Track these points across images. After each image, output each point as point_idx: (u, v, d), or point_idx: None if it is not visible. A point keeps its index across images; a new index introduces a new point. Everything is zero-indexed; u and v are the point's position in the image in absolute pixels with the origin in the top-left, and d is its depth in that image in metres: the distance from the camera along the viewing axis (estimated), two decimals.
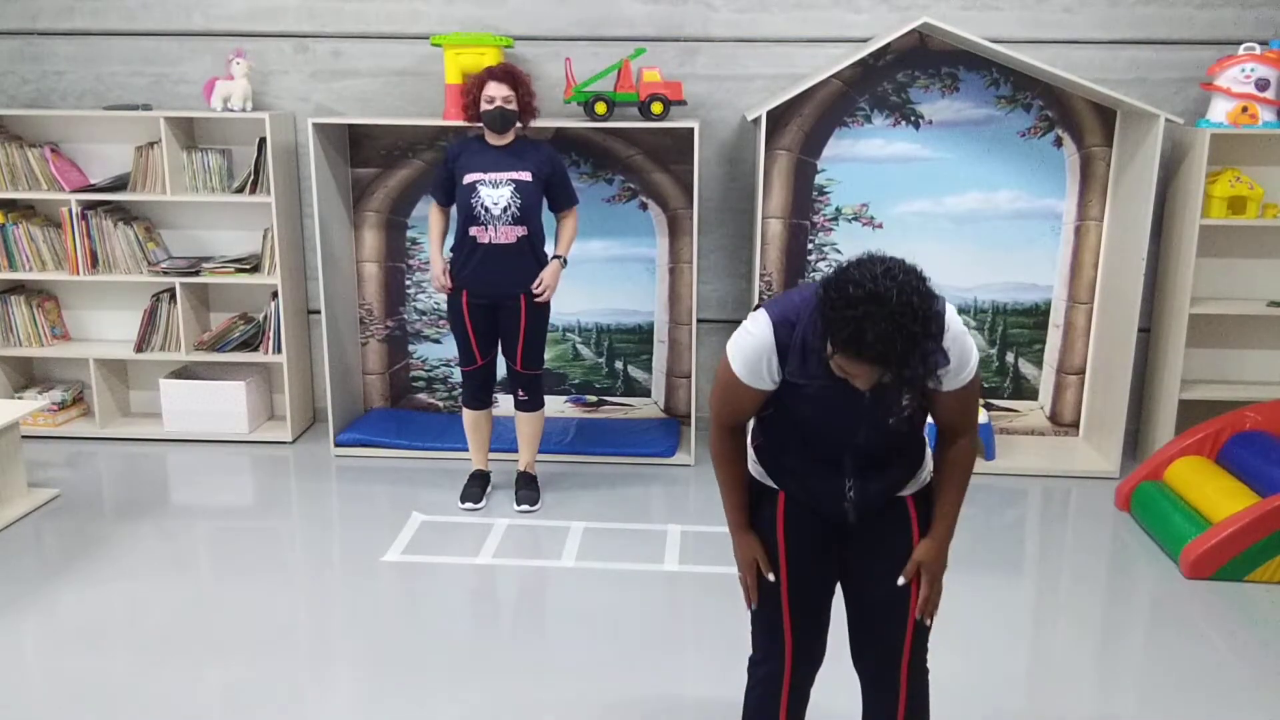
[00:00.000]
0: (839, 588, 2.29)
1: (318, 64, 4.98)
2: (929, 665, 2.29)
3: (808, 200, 4.80)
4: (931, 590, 2.18)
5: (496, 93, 4.01)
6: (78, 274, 4.99)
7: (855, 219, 4.82)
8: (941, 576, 2.19)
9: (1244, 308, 4.68)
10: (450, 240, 4.23)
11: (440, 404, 5.33)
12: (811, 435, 2.10)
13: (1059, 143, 4.71)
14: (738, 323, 2.09)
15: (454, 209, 4.18)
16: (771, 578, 2.20)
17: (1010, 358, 4.97)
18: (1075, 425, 5.03)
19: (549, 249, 4.21)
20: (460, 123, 4.48)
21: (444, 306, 4.51)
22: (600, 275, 5.08)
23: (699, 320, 4.96)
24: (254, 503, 4.50)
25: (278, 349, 5.04)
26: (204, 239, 5.18)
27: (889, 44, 4.52)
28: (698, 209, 4.74)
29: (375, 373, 5.31)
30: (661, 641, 3.33)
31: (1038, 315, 4.91)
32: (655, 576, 3.77)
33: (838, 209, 4.81)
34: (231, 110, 4.79)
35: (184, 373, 5.21)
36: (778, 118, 4.65)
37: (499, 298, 4.13)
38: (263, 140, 4.79)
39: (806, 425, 2.09)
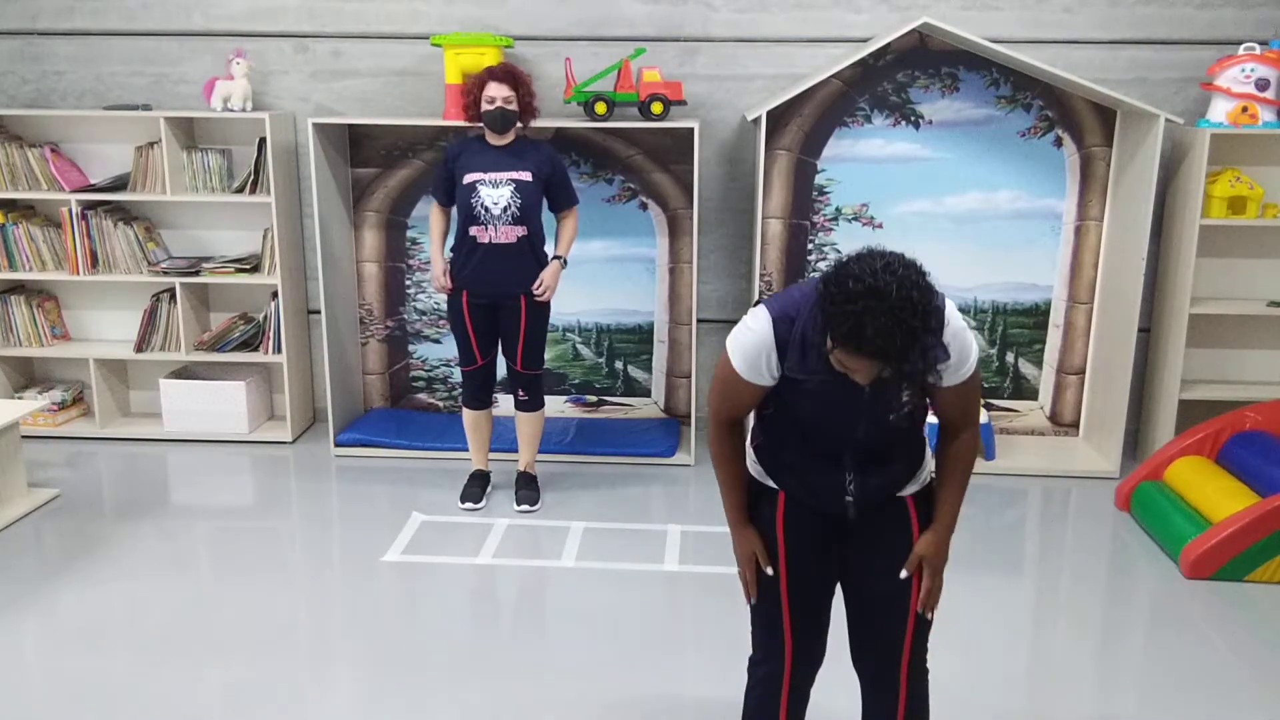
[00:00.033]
0: (839, 588, 2.29)
1: (318, 64, 4.98)
2: (929, 665, 2.29)
3: (808, 200, 4.80)
4: (933, 584, 2.18)
5: (497, 93, 4.01)
6: (78, 274, 4.99)
7: (855, 219, 4.82)
8: (943, 570, 2.19)
9: (1244, 308, 4.68)
10: (450, 240, 4.24)
11: (440, 404, 5.33)
12: (811, 431, 2.10)
13: (1059, 143, 4.71)
14: (738, 323, 2.09)
15: (454, 209, 4.18)
16: (770, 572, 2.20)
17: (1010, 358, 4.97)
18: (1075, 425, 5.03)
19: (549, 249, 4.21)
20: (460, 123, 4.48)
21: (444, 306, 4.51)
22: (600, 275, 5.08)
23: (699, 320, 4.96)
24: (254, 503, 4.50)
25: (278, 349, 5.04)
26: (204, 239, 5.18)
27: (889, 44, 4.52)
28: (698, 209, 4.74)
29: (375, 373, 5.31)
30: (661, 641, 3.33)
31: (1038, 315, 4.91)
32: (655, 576, 3.77)
33: (838, 209, 4.81)
34: (231, 110, 4.79)
35: (184, 373, 5.21)
36: (778, 118, 4.65)
37: (499, 298, 4.13)
38: (263, 140, 4.79)
39: (806, 421, 2.09)
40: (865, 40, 4.69)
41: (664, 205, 5.00)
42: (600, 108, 4.53)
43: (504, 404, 4.78)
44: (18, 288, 5.21)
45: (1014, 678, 3.16)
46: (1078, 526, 4.28)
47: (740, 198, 4.99)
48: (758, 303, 2.10)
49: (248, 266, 4.99)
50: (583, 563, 3.87)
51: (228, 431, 5.09)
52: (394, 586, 3.70)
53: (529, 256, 4.11)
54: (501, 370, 4.37)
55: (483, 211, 4.04)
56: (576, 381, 5.24)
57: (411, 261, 5.16)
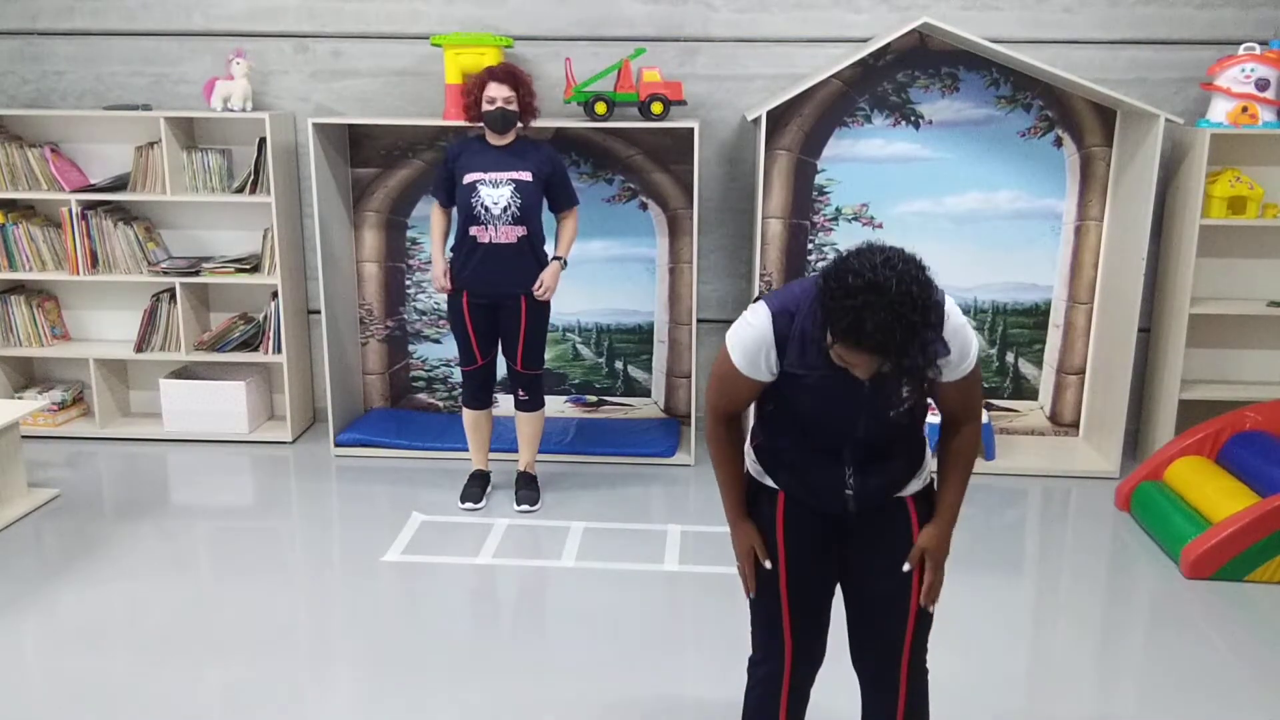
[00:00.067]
0: (839, 588, 2.29)
1: (318, 64, 4.98)
2: (929, 665, 2.29)
3: (808, 200, 4.80)
4: (935, 577, 2.18)
5: (497, 93, 4.01)
6: (78, 274, 4.99)
7: (855, 219, 4.82)
8: (944, 563, 2.20)
9: (1244, 308, 4.68)
10: (451, 240, 4.24)
11: (440, 404, 5.33)
12: (811, 427, 2.10)
13: (1059, 143, 4.71)
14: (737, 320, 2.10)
15: (455, 209, 4.18)
16: (769, 565, 2.20)
17: (1010, 358, 4.97)
18: (1075, 425, 5.03)
19: (549, 249, 4.21)
20: (460, 123, 4.48)
21: (444, 306, 4.51)
22: (600, 275, 5.08)
23: (699, 320, 4.96)
24: (254, 503, 4.50)
25: (278, 349, 5.04)
26: (204, 239, 5.18)
27: (889, 44, 4.52)
28: (698, 209, 4.74)
29: (375, 373, 5.31)
30: (661, 641, 3.33)
31: (1038, 315, 4.91)
32: (655, 576, 3.77)
33: (838, 209, 4.81)
34: (231, 110, 4.79)
35: (184, 373, 5.21)
36: (778, 118, 4.65)
37: (499, 297, 4.13)
38: (263, 140, 4.79)
39: (806, 417, 2.09)
40: (865, 40, 4.69)
41: (664, 205, 5.00)
42: (600, 108, 4.53)
43: (504, 404, 4.78)
44: (18, 288, 5.21)
45: (1014, 678, 3.16)
46: (1078, 526, 4.28)
47: (740, 198, 4.99)
48: (758, 298, 2.10)
49: (248, 266, 4.99)
50: (583, 563, 3.87)
51: (228, 431, 5.09)
52: (394, 586, 3.70)
53: (529, 256, 4.11)
54: (501, 370, 4.37)
55: (483, 211, 4.04)
56: (576, 381, 5.24)
57: (411, 261, 5.16)
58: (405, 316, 5.23)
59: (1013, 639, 3.38)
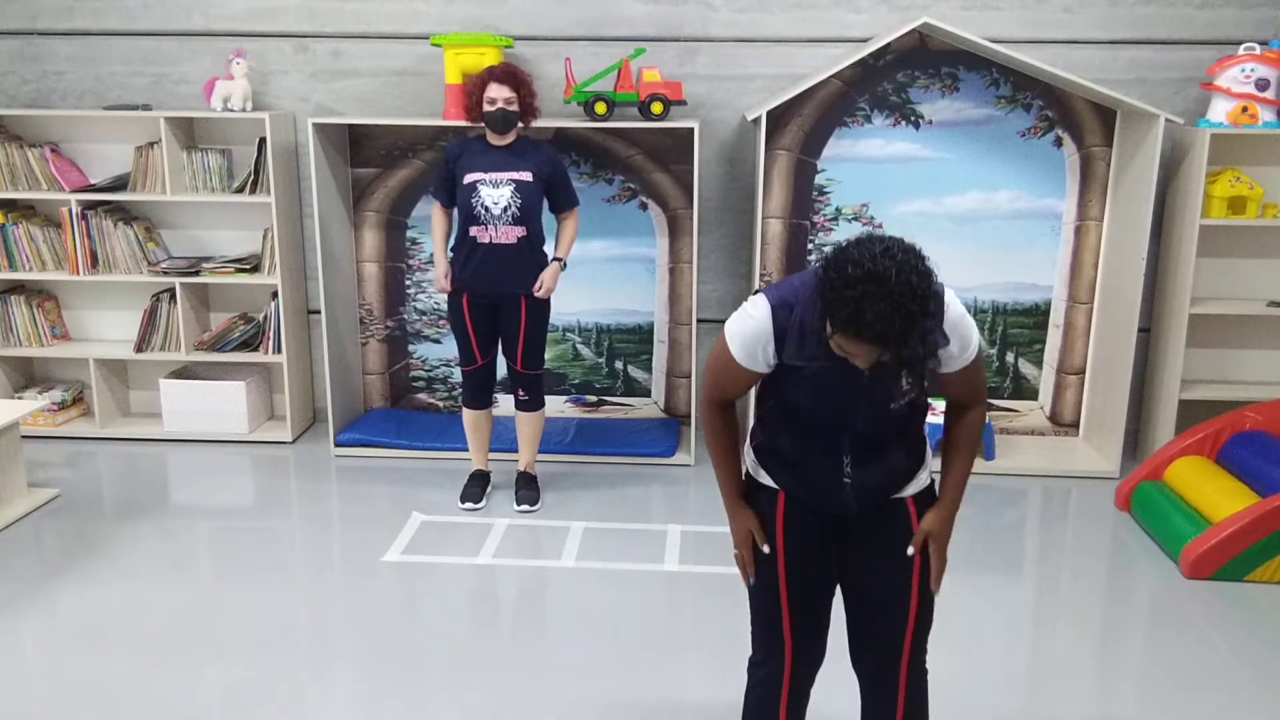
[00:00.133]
0: (839, 589, 2.29)
1: (318, 64, 4.98)
2: (929, 666, 2.29)
3: (808, 200, 4.80)
4: (939, 560, 2.18)
5: (498, 94, 4.01)
6: (78, 274, 4.99)
7: (855, 219, 4.82)
8: (947, 546, 2.20)
9: (1244, 308, 4.68)
10: (451, 240, 4.24)
11: (440, 404, 5.33)
12: (810, 420, 2.10)
13: (1059, 143, 4.71)
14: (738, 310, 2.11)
15: (455, 209, 4.18)
16: (767, 549, 2.20)
17: (1010, 358, 4.97)
18: (1075, 425, 5.03)
19: (549, 250, 4.21)
20: (460, 123, 4.49)
21: (444, 306, 4.50)
22: (600, 275, 5.08)
23: (699, 320, 4.96)
24: (254, 503, 4.50)
25: (278, 349, 5.04)
26: (204, 239, 5.18)
27: (889, 44, 4.52)
28: (698, 209, 4.74)
29: (375, 373, 5.31)
30: (661, 641, 3.33)
31: (1038, 315, 4.91)
32: (655, 576, 3.77)
33: (838, 209, 4.81)
34: (231, 110, 4.79)
35: (184, 373, 5.21)
36: (778, 118, 4.65)
37: (499, 297, 4.13)
38: (263, 140, 4.79)
39: (806, 409, 2.09)
40: (865, 40, 4.69)
41: (664, 205, 5.00)
42: (600, 108, 4.53)
43: (504, 404, 4.78)
44: (18, 288, 5.21)
45: (1014, 678, 3.16)
46: (1078, 526, 4.28)
47: (740, 198, 4.99)
48: (757, 291, 2.10)
49: (248, 266, 4.99)
50: (583, 563, 3.87)
51: (228, 431, 5.09)
52: (394, 586, 3.70)
53: (529, 257, 4.11)
54: (502, 370, 4.37)
55: (483, 211, 4.04)
56: (576, 381, 5.24)
57: (411, 261, 5.16)
58: (405, 316, 5.23)
59: (1013, 639, 3.38)
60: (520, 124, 4.12)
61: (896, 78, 4.65)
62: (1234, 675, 3.16)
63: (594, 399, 5.26)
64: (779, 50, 4.82)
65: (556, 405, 5.21)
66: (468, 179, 4.05)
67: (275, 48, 4.96)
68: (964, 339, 2.03)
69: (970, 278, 4.84)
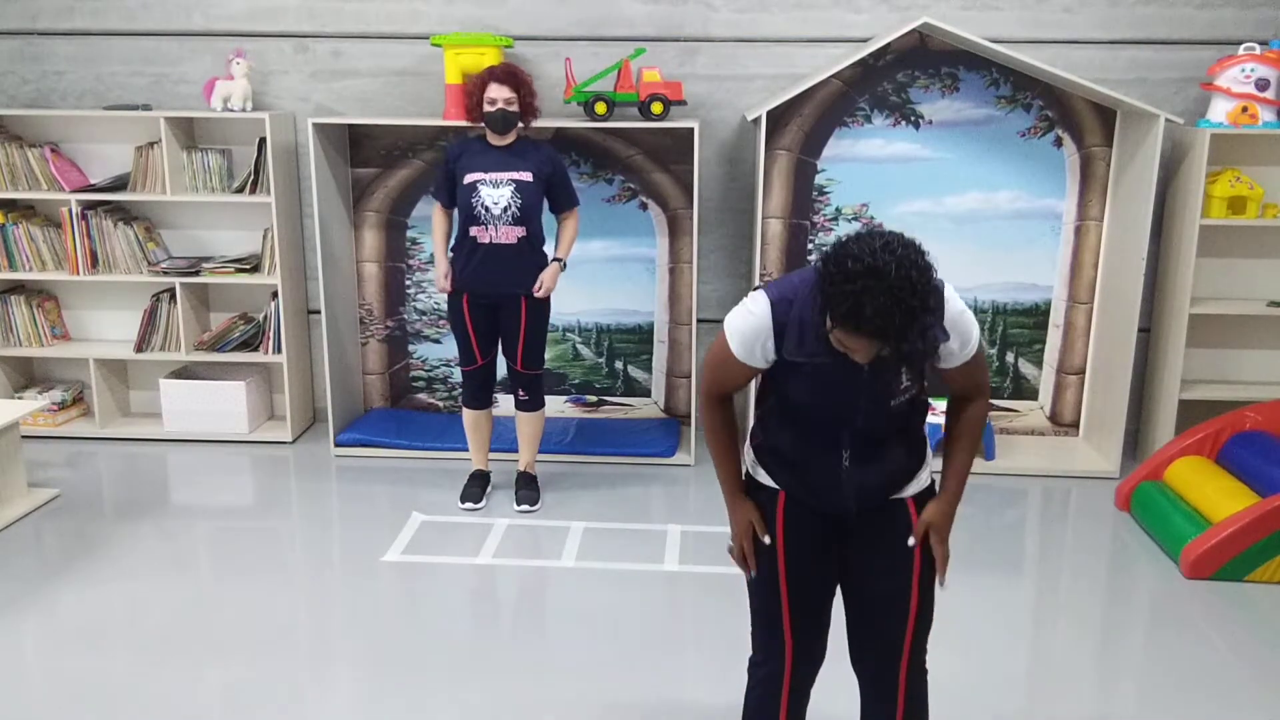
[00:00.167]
0: (839, 590, 2.29)
1: (318, 64, 4.98)
2: (929, 666, 2.29)
3: (808, 200, 4.80)
4: (942, 550, 2.18)
5: (498, 94, 4.01)
6: (78, 274, 4.99)
7: (855, 219, 4.82)
8: (948, 537, 2.20)
9: (1244, 308, 4.68)
10: (451, 240, 4.24)
11: (440, 404, 5.33)
12: (810, 417, 2.10)
13: (1059, 143, 4.71)
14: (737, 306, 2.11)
15: (455, 210, 4.18)
16: (768, 540, 2.20)
17: (1010, 358, 4.97)
18: (1075, 425, 5.03)
19: (550, 250, 4.21)
20: (460, 123, 4.49)
21: (444, 306, 4.50)
22: (600, 275, 5.08)
23: (699, 320, 4.96)
24: (254, 503, 4.50)
25: (278, 349, 5.04)
26: (204, 239, 5.18)
27: (889, 44, 4.52)
28: (698, 209, 4.74)
29: (375, 373, 5.31)
30: (661, 641, 3.33)
31: (1038, 315, 4.91)
32: (655, 576, 3.77)
33: (838, 209, 4.81)
34: (231, 110, 4.79)
35: (184, 373, 5.21)
36: (778, 118, 4.65)
37: (499, 298, 4.13)
38: (263, 140, 4.79)
39: (805, 406, 2.09)
40: (865, 40, 4.69)
41: (664, 205, 5.00)
42: (600, 108, 4.53)
43: (504, 404, 4.78)
44: (18, 288, 5.21)
45: (1014, 678, 3.16)
46: (1078, 526, 4.28)
47: (740, 198, 4.99)
48: (758, 287, 2.11)
49: (248, 266, 4.99)
50: (583, 563, 3.87)
51: (228, 431, 5.09)
52: (394, 586, 3.70)
53: (529, 257, 4.11)
54: (502, 370, 4.37)
55: (483, 211, 4.04)
56: (576, 381, 5.24)
57: (411, 261, 5.16)
58: (405, 316, 5.23)
59: (1013, 639, 3.38)
60: (520, 124, 4.12)
61: (896, 78, 4.65)
62: (1234, 675, 3.16)
63: (594, 399, 5.26)
64: (779, 50, 4.82)
65: (556, 405, 5.21)
66: (468, 179, 4.05)
67: (275, 48, 4.96)
68: (964, 336, 2.04)
69: (970, 278, 4.84)
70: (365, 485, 4.61)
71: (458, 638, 3.35)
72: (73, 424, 5.20)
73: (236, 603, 3.55)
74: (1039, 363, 4.97)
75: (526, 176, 4.05)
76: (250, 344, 5.11)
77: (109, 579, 3.70)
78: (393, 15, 4.90)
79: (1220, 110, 4.46)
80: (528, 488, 4.37)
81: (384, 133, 4.99)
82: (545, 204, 4.18)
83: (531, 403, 4.31)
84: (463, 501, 4.32)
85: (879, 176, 4.76)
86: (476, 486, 4.38)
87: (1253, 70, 4.38)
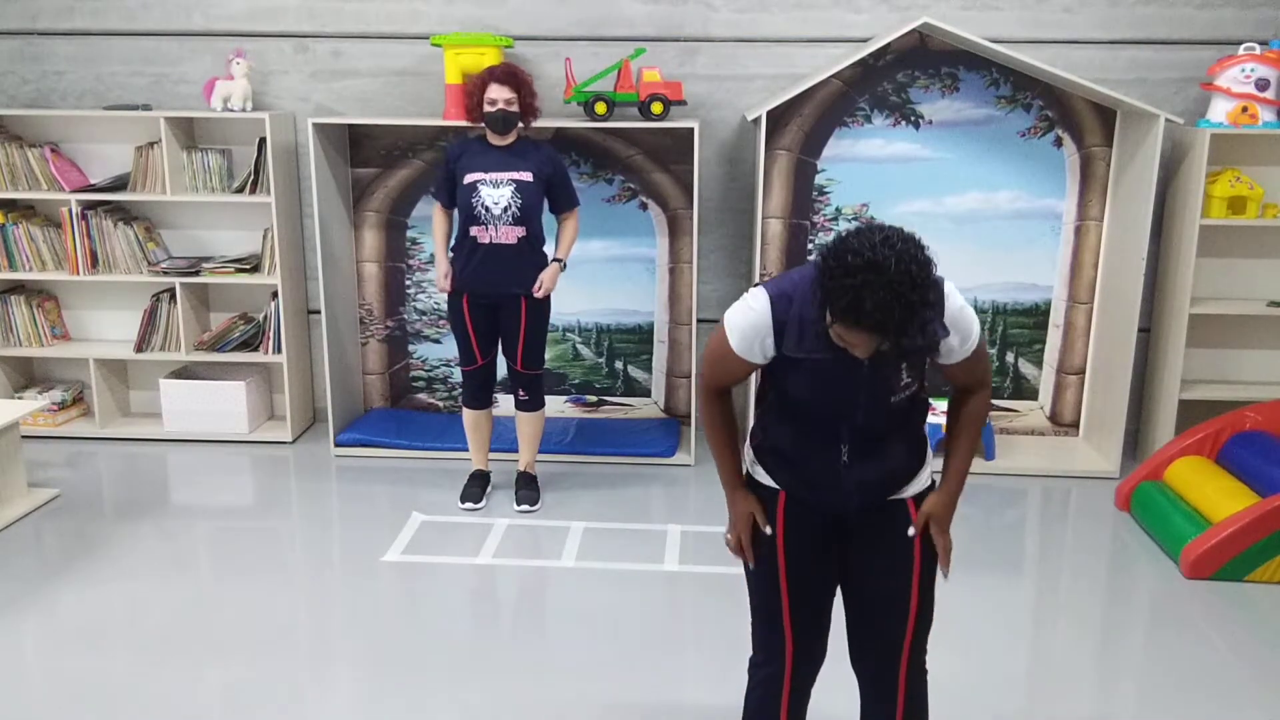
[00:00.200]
0: (839, 589, 2.29)
1: (318, 64, 4.98)
2: (929, 666, 2.29)
3: (808, 200, 4.80)
4: (944, 541, 2.19)
5: (499, 95, 4.01)
6: (78, 274, 4.99)
7: (855, 219, 4.82)
8: (949, 527, 2.20)
9: (1244, 308, 4.68)
10: (451, 240, 4.24)
11: (440, 404, 5.33)
12: (810, 413, 2.10)
13: (1059, 143, 4.71)
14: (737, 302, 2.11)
15: (456, 210, 4.18)
16: (769, 531, 2.20)
17: (1010, 358, 4.97)
18: (1075, 425, 5.03)
19: (550, 250, 4.21)
20: (460, 123, 4.49)
21: (444, 306, 4.50)
22: (600, 275, 5.08)
23: (699, 320, 4.96)
24: (254, 503, 4.50)
25: (278, 349, 5.04)
26: (204, 239, 5.18)
27: (889, 44, 4.52)
28: (698, 209, 4.74)
29: (375, 373, 5.31)
30: (661, 642, 3.33)
31: (1038, 315, 4.91)
32: (655, 576, 3.77)
33: (838, 209, 4.81)
34: (231, 110, 4.79)
35: (184, 373, 5.21)
36: (778, 118, 4.65)
37: (499, 298, 4.13)
38: (263, 140, 4.79)
39: (805, 402, 2.09)
40: (865, 40, 4.69)
41: (664, 205, 5.00)
42: (600, 108, 4.53)
43: (504, 404, 4.78)
44: (18, 288, 5.21)
45: (1014, 678, 3.16)
46: (1078, 526, 4.28)
47: (740, 198, 4.99)
48: (757, 284, 2.11)
49: (248, 266, 4.99)
50: (583, 563, 3.87)
51: (228, 431, 5.09)
52: (394, 586, 3.70)
53: (529, 257, 4.11)
54: (502, 370, 4.37)
55: (483, 211, 4.04)
56: (576, 381, 5.24)
57: (411, 261, 5.16)
58: (405, 316, 5.23)
59: (1013, 639, 3.38)
60: (520, 124, 4.12)
61: (896, 78, 4.65)
62: (1234, 675, 3.16)
63: (594, 399, 5.26)
64: (779, 50, 4.82)
65: (556, 405, 5.21)
66: (468, 179, 4.05)
67: (275, 48, 4.96)
68: (965, 332, 2.04)
69: (970, 278, 4.83)
70: (365, 485, 4.61)
71: (458, 638, 3.35)
72: (73, 424, 5.20)
73: (236, 603, 3.55)
74: (1039, 363, 4.97)
75: (527, 176, 4.05)
76: (250, 344, 5.11)
77: (109, 579, 3.70)
78: (393, 15, 4.90)
79: (1220, 110, 4.46)
80: (528, 488, 4.37)
81: (384, 133, 4.99)
82: (545, 204, 4.18)
83: (531, 403, 4.31)
84: (463, 501, 4.33)
85: (879, 176, 4.76)
86: (476, 486, 4.38)
87: (1253, 70, 4.38)
